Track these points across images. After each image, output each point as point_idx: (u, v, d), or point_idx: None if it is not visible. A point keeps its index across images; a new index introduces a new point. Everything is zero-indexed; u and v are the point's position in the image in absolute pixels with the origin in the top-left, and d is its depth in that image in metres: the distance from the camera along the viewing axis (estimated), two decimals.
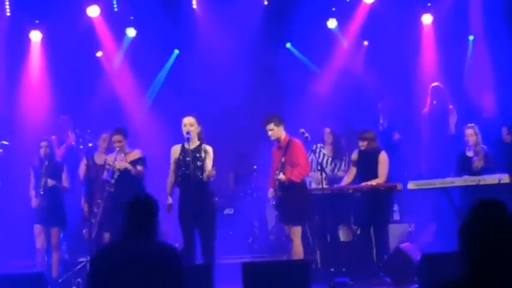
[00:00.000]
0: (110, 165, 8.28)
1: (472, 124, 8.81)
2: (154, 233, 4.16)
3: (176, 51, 11.59)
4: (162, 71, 11.56)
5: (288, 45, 11.66)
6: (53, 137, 9.23)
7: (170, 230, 9.05)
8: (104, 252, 4.27)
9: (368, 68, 11.21)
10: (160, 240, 4.30)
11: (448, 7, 10.76)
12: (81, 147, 9.23)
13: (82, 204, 8.71)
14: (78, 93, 10.81)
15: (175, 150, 7.83)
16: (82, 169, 8.86)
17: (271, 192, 8.34)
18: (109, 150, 8.61)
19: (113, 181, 8.25)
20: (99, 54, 11.25)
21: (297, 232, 8.07)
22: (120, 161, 8.28)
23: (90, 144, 8.97)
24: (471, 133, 8.67)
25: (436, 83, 10.10)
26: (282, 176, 8.00)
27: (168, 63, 11.59)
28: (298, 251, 8.01)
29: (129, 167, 8.27)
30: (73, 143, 9.73)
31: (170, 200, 7.78)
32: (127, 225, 4.14)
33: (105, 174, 8.30)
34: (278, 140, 8.17)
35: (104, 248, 4.45)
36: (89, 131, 9.09)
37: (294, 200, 8.01)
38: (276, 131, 8.11)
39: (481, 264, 2.64)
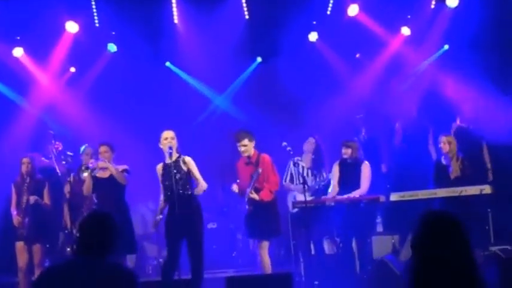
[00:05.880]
0: (92, 163, 8.18)
1: (448, 133, 8.88)
2: (106, 254, 3.69)
3: (168, 64, 11.59)
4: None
5: (258, 59, 11.72)
6: (36, 153, 9.04)
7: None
8: (45, 276, 3.73)
9: (351, 79, 11.28)
10: (114, 262, 3.84)
11: (427, 19, 10.87)
12: (64, 162, 9.13)
13: (64, 219, 8.63)
14: (60, 108, 10.79)
15: (159, 168, 7.80)
16: (67, 186, 8.80)
17: (235, 187, 8.28)
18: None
19: (95, 172, 8.11)
20: (72, 69, 11.23)
21: (264, 246, 8.08)
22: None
23: (69, 160, 8.89)
24: (443, 141, 8.72)
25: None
26: (255, 196, 8.01)
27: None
28: (266, 265, 8.02)
29: (111, 167, 8.06)
30: (52, 158, 9.35)
31: (159, 217, 7.73)
32: (77, 245, 3.73)
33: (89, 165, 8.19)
34: (248, 155, 8.17)
35: (47, 271, 3.80)
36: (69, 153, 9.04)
37: (264, 215, 8.04)
38: (249, 147, 8.13)
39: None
